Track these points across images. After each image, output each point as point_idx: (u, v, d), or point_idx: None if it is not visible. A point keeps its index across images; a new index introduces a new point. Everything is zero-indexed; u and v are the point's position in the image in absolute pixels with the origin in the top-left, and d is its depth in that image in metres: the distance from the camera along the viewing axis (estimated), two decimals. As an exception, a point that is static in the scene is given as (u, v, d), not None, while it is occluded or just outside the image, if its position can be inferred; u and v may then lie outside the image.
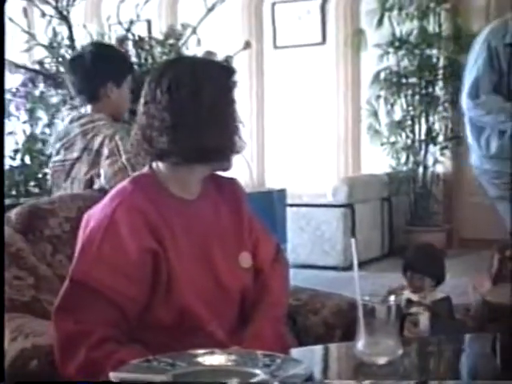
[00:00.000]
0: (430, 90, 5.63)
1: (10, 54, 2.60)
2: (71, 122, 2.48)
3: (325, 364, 1.52)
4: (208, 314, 1.50)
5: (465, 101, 3.25)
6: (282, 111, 6.47)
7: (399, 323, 1.39)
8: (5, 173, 3.30)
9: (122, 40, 3.42)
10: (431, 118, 5.65)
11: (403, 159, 5.72)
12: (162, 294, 1.47)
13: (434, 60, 5.65)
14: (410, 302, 2.21)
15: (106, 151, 2.32)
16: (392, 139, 5.73)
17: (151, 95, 1.49)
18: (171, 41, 3.51)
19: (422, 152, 5.69)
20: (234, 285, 1.57)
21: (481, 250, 4.84)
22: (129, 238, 1.44)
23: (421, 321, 2.13)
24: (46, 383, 1.46)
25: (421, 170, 5.71)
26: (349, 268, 4.66)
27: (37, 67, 3.45)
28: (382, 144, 5.76)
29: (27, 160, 3.69)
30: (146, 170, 1.56)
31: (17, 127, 3.73)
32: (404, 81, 5.65)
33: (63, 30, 3.44)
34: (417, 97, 5.62)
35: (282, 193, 4.76)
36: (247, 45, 3.79)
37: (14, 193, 3.57)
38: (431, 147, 5.69)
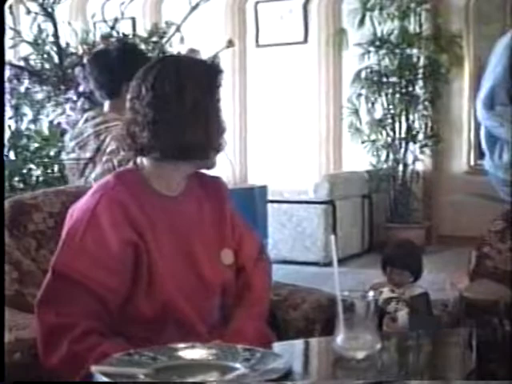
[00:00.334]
0: (410, 88, 5.66)
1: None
2: (86, 121, 2.46)
3: (304, 358, 1.53)
4: (189, 307, 1.52)
5: (479, 110, 3.16)
6: (264, 109, 6.48)
7: (378, 318, 1.41)
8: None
9: (107, 37, 3.42)
10: (411, 117, 5.69)
11: (383, 157, 5.74)
12: (144, 286, 1.48)
13: (415, 59, 5.68)
14: (389, 297, 2.24)
15: (108, 150, 2.32)
16: (372, 137, 5.75)
17: (136, 91, 1.51)
18: (155, 38, 3.53)
19: (402, 150, 5.72)
20: (215, 280, 1.58)
21: (459, 246, 4.91)
22: (110, 231, 1.46)
23: (399, 316, 2.16)
24: (46, 383, 1.46)
25: (401, 167, 5.73)
26: (329, 264, 4.71)
27: (22, 64, 3.43)
28: (363, 142, 5.78)
29: (12, 155, 3.71)
30: (130, 165, 1.58)
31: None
32: (385, 80, 5.67)
33: (48, 27, 3.46)
34: (397, 95, 5.65)
35: (263, 189, 4.78)
36: (230, 43, 3.79)
37: (-3, 188, 3.57)
38: (411, 145, 5.72)
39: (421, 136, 5.74)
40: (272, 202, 5.17)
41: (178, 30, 3.57)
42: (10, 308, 1.64)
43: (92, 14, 3.73)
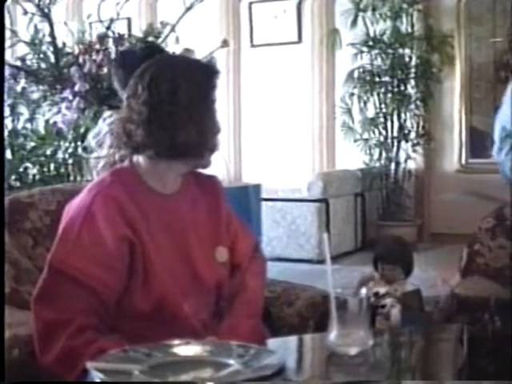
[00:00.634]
0: (402, 88, 5.67)
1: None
2: (104, 119, 2.51)
3: (298, 354, 1.54)
4: (184, 304, 1.52)
5: (495, 155, 3.15)
6: (258, 108, 6.49)
7: (370, 315, 1.42)
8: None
9: (103, 37, 3.42)
10: (403, 116, 5.70)
11: (376, 155, 5.75)
12: (139, 283, 1.49)
13: (407, 59, 5.69)
14: (381, 294, 2.26)
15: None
16: (365, 136, 5.76)
17: (133, 90, 1.53)
18: (150, 38, 3.53)
19: (395, 149, 5.73)
20: (209, 277, 1.59)
21: (450, 244, 4.95)
22: (105, 227, 1.47)
23: (392, 315, 2.18)
24: (46, 383, 1.47)
25: (393, 166, 5.75)
26: (323, 261, 4.71)
27: (18, 63, 3.44)
28: (356, 140, 5.79)
29: (8, 154, 3.72)
30: (126, 163, 1.58)
31: (-2, 122, 3.75)
32: (377, 79, 5.68)
33: (45, 28, 3.46)
34: (389, 95, 5.66)
35: (257, 188, 4.81)
36: (225, 43, 3.80)
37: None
38: (403, 144, 5.73)
39: (413, 135, 5.75)
40: (266, 200, 5.20)
41: (173, 30, 3.57)
42: (7, 305, 1.63)
43: (88, 14, 3.73)
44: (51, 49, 3.47)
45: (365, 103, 5.75)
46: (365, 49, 5.71)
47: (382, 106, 5.71)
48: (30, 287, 1.59)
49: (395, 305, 2.16)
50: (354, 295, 1.36)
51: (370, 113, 5.78)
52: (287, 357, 1.33)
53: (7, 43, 3.44)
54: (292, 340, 1.60)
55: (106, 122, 2.53)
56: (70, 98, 3.29)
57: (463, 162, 5.94)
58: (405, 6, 5.63)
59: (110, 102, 3.22)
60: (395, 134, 5.73)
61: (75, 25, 3.70)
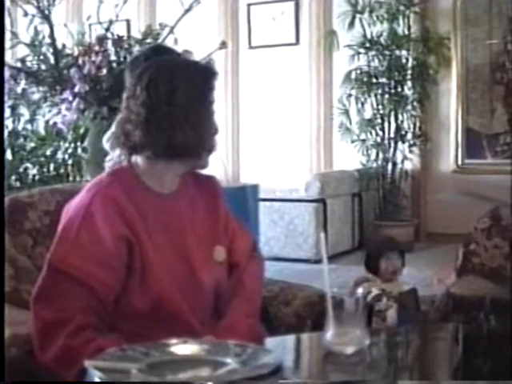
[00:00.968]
0: (399, 89, 5.67)
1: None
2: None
3: (295, 353, 1.55)
4: (183, 303, 1.52)
5: None
6: (256, 109, 6.50)
7: (367, 314, 1.44)
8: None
9: (102, 39, 3.42)
10: (400, 117, 5.69)
11: (373, 156, 5.75)
12: (138, 282, 1.49)
13: (403, 61, 5.69)
14: (378, 294, 2.26)
15: None
16: (362, 137, 5.76)
17: (132, 91, 1.53)
18: (149, 40, 3.54)
19: (391, 149, 5.72)
20: (207, 277, 1.59)
21: (446, 243, 4.98)
22: (103, 227, 1.47)
23: (389, 316, 2.18)
24: (45, 383, 1.46)
25: (390, 166, 5.74)
26: (320, 261, 4.68)
27: (19, 65, 3.45)
28: (353, 141, 5.79)
29: (9, 155, 3.74)
30: (124, 163, 1.59)
31: (-1, 123, 3.77)
32: (374, 80, 5.68)
33: (45, 29, 3.47)
34: (386, 96, 5.66)
35: (254, 188, 4.82)
36: (223, 44, 3.79)
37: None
38: (400, 145, 5.72)
39: (409, 136, 5.75)
40: (264, 200, 5.20)
41: (171, 31, 3.57)
42: (6, 304, 1.65)
43: (87, 16, 3.74)
44: (51, 50, 3.47)
45: (362, 104, 5.75)
46: (362, 50, 5.71)
47: (379, 107, 5.71)
48: (30, 286, 1.60)
49: (392, 304, 2.17)
50: (351, 295, 1.40)
51: (367, 114, 5.78)
52: (284, 356, 1.35)
53: (7, 45, 3.46)
54: (289, 339, 1.60)
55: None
56: (70, 99, 3.30)
57: (459, 162, 5.96)
58: (401, 8, 5.63)
59: (110, 103, 3.25)
60: (392, 134, 5.73)
61: (75, 26, 3.70)
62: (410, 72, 5.72)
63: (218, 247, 1.63)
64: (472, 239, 2.35)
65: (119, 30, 3.67)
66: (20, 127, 3.77)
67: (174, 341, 1.22)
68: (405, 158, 5.78)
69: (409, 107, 5.73)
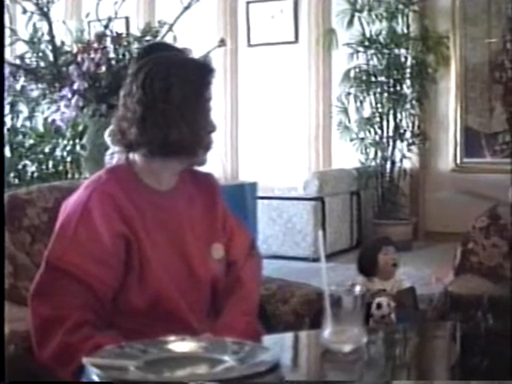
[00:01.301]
0: (398, 88, 5.66)
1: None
2: None
3: (293, 351, 1.56)
4: (180, 300, 1.53)
5: None
6: (255, 107, 6.50)
7: (365, 312, 1.43)
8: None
9: (101, 36, 3.43)
10: (399, 115, 5.69)
11: (372, 154, 5.74)
12: (135, 279, 1.49)
13: (402, 59, 5.69)
14: (376, 292, 2.26)
15: None
16: (361, 135, 5.75)
17: (128, 88, 1.53)
18: (148, 37, 3.54)
19: (390, 148, 5.72)
20: (205, 274, 1.59)
21: (445, 242, 4.98)
22: (101, 224, 1.47)
23: (387, 314, 2.18)
24: (44, 383, 1.46)
25: (388, 165, 5.74)
26: (318, 259, 4.71)
27: (18, 62, 3.46)
28: (352, 140, 5.78)
29: (7, 152, 3.75)
30: (122, 160, 1.59)
31: (-3, 120, 3.77)
32: (373, 79, 5.67)
33: (43, 26, 3.48)
34: (385, 94, 5.65)
35: (253, 186, 4.81)
36: (222, 42, 3.80)
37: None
38: (398, 143, 5.71)
39: (408, 134, 5.75)
40: (263, 198, 5.20)
41: (170, 29, 3.58)
42: (5, 301, 1.65)
43: (86, 13, 3.74)
44: (50, 47, 3.48)
45: (361, 103, 5.75)
46: (361, 49, 5.70)
47: (378, 105, 5.71)
48: (28, 283, 1.60)
49: (390, 303, 2.17)
50: (349, 293, 1.37)
51: (366, 112, 5.77)
52: (282, 354, 1.36)
53: (6, 41, 3.46)
54: (287, 337, 1.61)
55: None
56: (69, 96, 3.30)
57: (458, 161, 5.97)
58: (400, 6, 5.62)
59: (109, 100, 3.25)
60: (391, 133, 5.73)
61: (74, 24, 3.71)
62: (408, 71, 5.72)
63: (215, 245, 1.63)
64: (470, 238, 2.37)
65: (118, 27, 3.68)
66: (19, 124, 3.78)
67: (171, 338, 1.22)
68: (403, 156, 5.78)
69: (408, 106, 5.73)
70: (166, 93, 1.50)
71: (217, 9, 6.57)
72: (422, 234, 6.01)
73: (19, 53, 3.60)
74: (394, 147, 5.75)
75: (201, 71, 1.56)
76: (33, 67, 3.49)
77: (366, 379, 1.32)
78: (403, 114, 5.73)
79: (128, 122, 1.52)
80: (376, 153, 5.76)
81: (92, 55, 3.35)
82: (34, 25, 3.51)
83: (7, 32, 3.44)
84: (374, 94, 5.70)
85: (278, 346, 1.44)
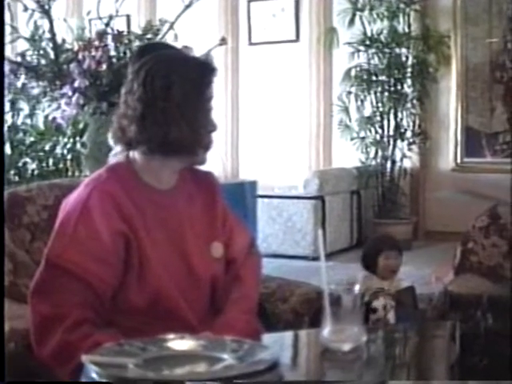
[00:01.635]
0: (399, 87, 5.67)
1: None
2: None
3: (292, 350, 1.55)
4: (180, 299, 1.53)
5: None
6: (256, 106, 6.51)
7: (364, 311, 1.45)
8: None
9: (102, 34, 3.42)
10: (399, 115, 5.70)
11: (372, 154, 5.75)
12: (135, 277, 1.50)
13: (403, 59, 5.69)
14: (375, 291, 2.26)
15: None
16: (362, 134, 5.76)
17: (129, 86, 1.53)
18: (149, 35, 3.53)
19: (391, 147, 5.72)
20: (205, 273, 1.59)
21: (445, 241, 4.98)
22: (101, 222, 1.47)
23: (386, 313, 2.12)
24: (43, 383, 1.46)
25: (389, 164, 5.74)
26: (318, 258, 4.71)
27: (19, 59, 3.45)
28: (352, 139, 5.79)
29: (8, 149, 3.75)
30: (122, 159, 1.59)
31: (-2, 117, 3.77)
32: (374, 78, 5.68)
33: (44, 24, 3.47)
34: (386, 94, 5.65)
35: (253, 184, 4.83)
36: (223, 41, 3.79)
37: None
38: (399, 142, 5.72)
39: (409, 134, 5.75)
40: (263, 196, 5.22)
41: (171, 27, 3.57)
42: (5, 298, 1.63)
43: (87, 11, 3.75)
44: (51, 45, 3.47)
45: (362, 102, 5.75)
46: (362, 48, 5.70)
47: (379, 104, 5.71)
48: (28, 281, 1.60)
49: (389, 302, 2.16)
50: (348, 292, 1.37)
51: (367, 111, 5.78)
52: (281, 352, 1.35)
53: (7, 39, 3.46)
54: (286, 336, 1.61)
55: None
56: (70, 93, 3.30)
57: (458, 160, 5.97)
58: (402, 5, 5.63)
59: (109, 98, 3.25)
60: (391, 132, 5.73)
61: (75, 21, 3.71)
62: (409, 70, 5.72)
63: (215, 243, 1.63)
64: (470, 237, 2.38)
65: (119, 25, 3.67)
66: (19, 122, 3.78)
67: (171, 336, 1.22)
68: (404, 155, 5.78)
69: (408, 105, 5.73)
70: (166, 91, 1.50)
71: (218, 7, 6.57)
72: (422, 233, 6.01)
73: (20, 50, 3.59)
74: (394, 146, 5.76)
75: (202, 70, 1.56)
76: (34, 65, 3.49)
77: (366, 378, 1.33)
78: (404, 113, 5.74)
79: (128, 119, 1.52)
80: (376, 152, 5.77)
81: (93, 53, 3.35)
82: (35, 22, 3.50)
83: (8, 29, 3.45)
84: (375, 93, 5.70)
85: (277, 344, 1.44)
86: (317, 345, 1.40)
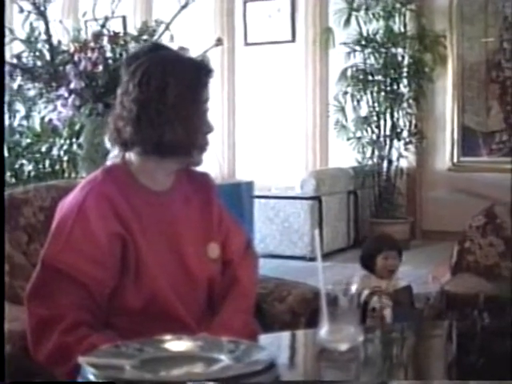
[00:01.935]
0: (395, 87, 5.67)
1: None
2: None
3: (289, 350, 1.56)
4: (176, 300, 1.53)
5: None
6: (252, 106, 6.51)
7: (361, 311, 1.46)
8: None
9: (98, 35, 3.43)
10: (396, 114, 5.70)
11: (369, 154, 5.75)
12: (131, 279, 1.50)
13: (399, 58, 5.70)
14: (372, 290, 2.27)
15: None
16: (358, 134, 5.76)
17: (125, 87, 1.53)
18: (145, 36, 3.54)
19: (387, 147, 5.72)
20: (201, 273, 1.59)
21: (442, 241, 5.00)
22: (97, 224, 1.47)
23: (383, 312, 2.14)
24: (43, 383, 1.46)
25: (385, 164, 5.75)
26: (315, 258, 4.73)
27: (15, 61, 3.45)
28: (349, 139, 5.79)
29: (4, 151, 3.74)
30: (118, 160, 1.59)
31: (-6, 119, 3.77)
32: (370, 78, 5.68)
33: (40, 26, 3.48)
34: (382, 93, 5.66)
35: (249, 185, 4.83)
36: (219, 41, 3.80)
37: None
38: (395, 142, 5.73)
39: (405, 133, 5.76)
40: (260, 197, 5.22)
41: (167, 28, 3.57)
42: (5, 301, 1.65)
43: (83, 12, 3.75)
44: (47, 47, 3.48)
45: (358, 102, 5.75)
46: (358, 48, 5.71)
47: (375, 104, 5.72)
48: (24, 283, 1.60)
49: (386, 302, 2.17)
50: (345, 292, 1.37)
51: (363, 111, 5.78)
52: (278, 352, 1.35)
53: (3, 41, 3.47)
54: (283, 336, 1.61)
55: None
56: (66, 95, 3.30)
57: (455, 160, 5.98)
58: (398, 5, 5.64)
59: (106, 99, 3.25)
60: (388, 132, 5.73)
61: (70, 23, 3.72)
62: (405, 70, 5.73)
63: (211, 244, 1.62)
64: (467, 237, 2.39)
65: (115, 26, 3.68)
66: (16, 123, 3.78)
67: (167, 337, 1.22)
68: (400, 155, 5.78)
69: (404, 105, 5.74)
70: (161, 92, 1.49)
71: (214, 8, 6.58)
72: (419, 232, 6.02)
73: (16, 52, 3.59)
74: (390, 146, 5.76)
75: (198, 71, 1.55)
76: (30, 66, 3.49)
77: (363, 378, 1.33)
78: (400, 113, 5.74)
79: (124, 120, 1.51)
80: (373, 152, 5.77)
81: (89, 54, 3.35)
82: (31, 24, 3.51)
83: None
84: (371, 92, 5.70)
85: (274, 344, 1.45)
86: (314, 345, 1.40)
